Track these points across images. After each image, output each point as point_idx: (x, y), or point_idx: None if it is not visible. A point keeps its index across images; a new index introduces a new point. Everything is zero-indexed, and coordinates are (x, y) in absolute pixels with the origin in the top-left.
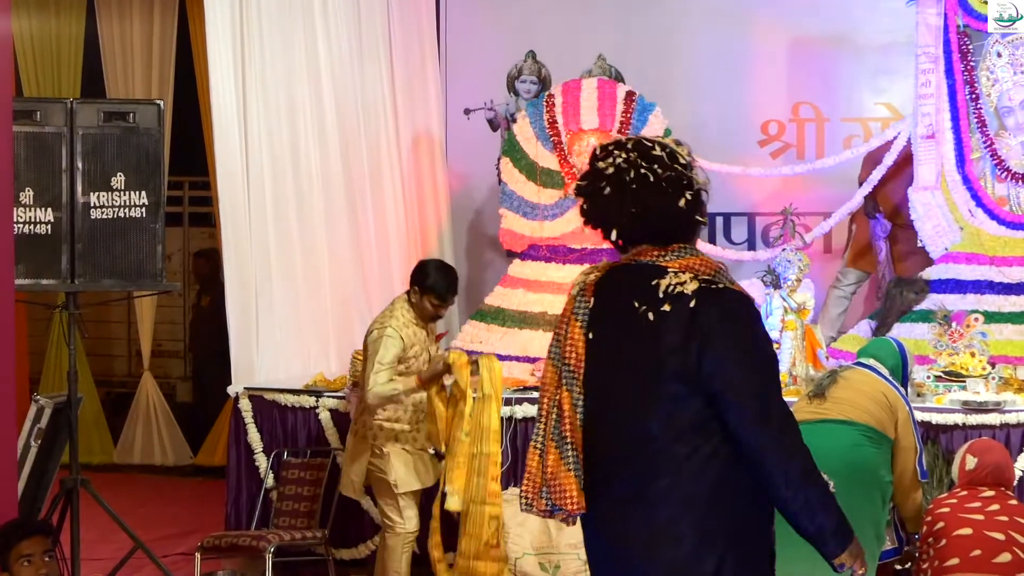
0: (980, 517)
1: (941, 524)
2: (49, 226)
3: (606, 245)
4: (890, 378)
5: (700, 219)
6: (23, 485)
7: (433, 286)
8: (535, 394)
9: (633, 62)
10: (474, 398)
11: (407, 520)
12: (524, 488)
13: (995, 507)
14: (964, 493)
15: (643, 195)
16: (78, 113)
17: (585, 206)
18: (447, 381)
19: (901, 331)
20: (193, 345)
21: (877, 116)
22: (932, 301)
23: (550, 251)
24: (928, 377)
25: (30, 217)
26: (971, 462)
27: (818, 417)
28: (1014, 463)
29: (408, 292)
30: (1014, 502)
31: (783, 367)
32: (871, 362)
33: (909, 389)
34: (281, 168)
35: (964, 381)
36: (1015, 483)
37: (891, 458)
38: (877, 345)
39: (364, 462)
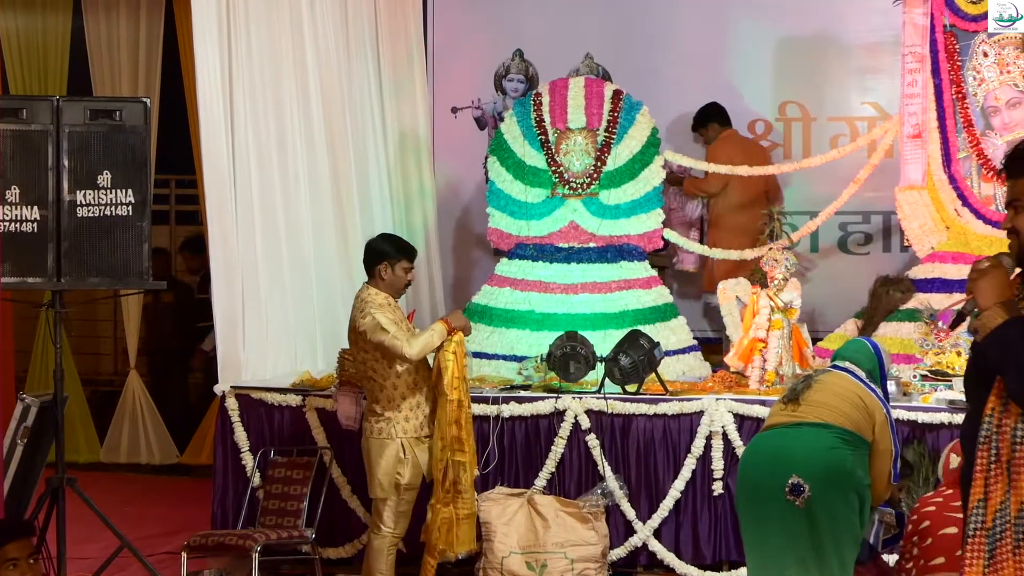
0: None
1: (927, 523)
2: (35, 224)
3: (592, 244)
4: (867, 381)
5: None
6: (9, 484)
7: (399, 251)
8: (522, 393)
9: (620, 61)
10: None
11: (397, 524)
12: None
13: None
14: (949, 492)
15: None
16: (64, 111)
17: None
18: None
19: (887, 330)
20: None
21: (864, 115)
22: (918, 300)
23: (537, 250)
24: (914, 376)
25: (16, 215)
26: (955, 461)
27: (793, 421)
28: None
29: (372, 279)
30: None
31: (770, 366)
32: (847, 365)
33: (893, 388)
34: (268, 166)
35: (950, 380)
36: None
37: (869, 461)
38: (853, 347)
39: (389, 463)
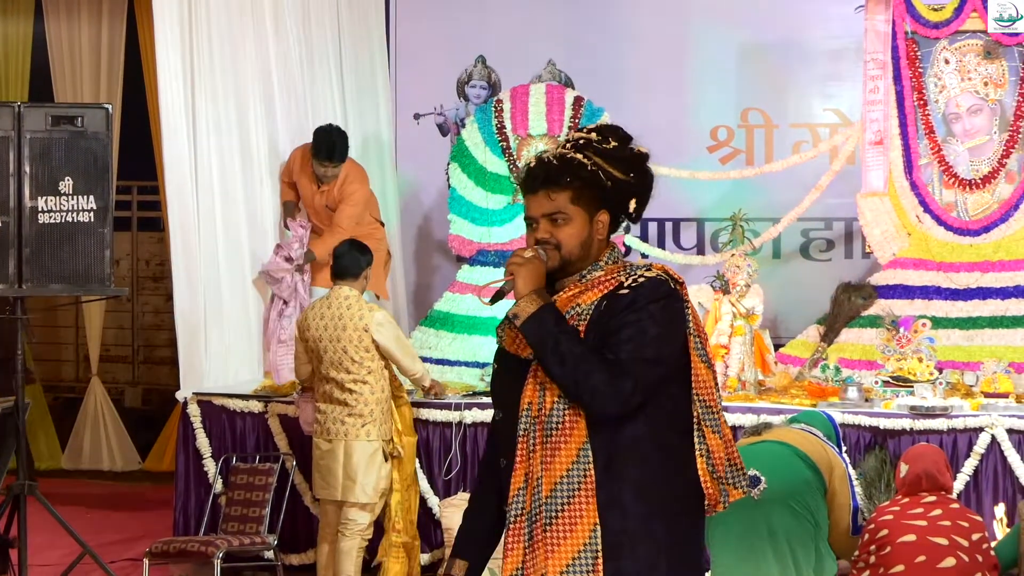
0: (923, 523)
1: (885, 531)
2: None
3: None
4: (826, 439)
5: None
6: None
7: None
8: (485, 399)
9: (582, 67)
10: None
11: (369, 527)
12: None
13: (937, 512)
14: (906, 500)
15: None
16: (26, 117)
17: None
18: None
19: (849, 336)
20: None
21: (826, 122)
22: (880, 306)
23: (499, 256)
24: (876, 382)
25: None
26: (903, 469)
27: (754, 441)
28: (959, 468)
29: (356, 280)
30: (956, 505)
31: (732, 372)
32: (804, 426)
33: (855, 394)
34: (230, 173)
35: (911, 386)
36: (955, 486)
37: (827, 508)
38: (808, 416)
39: (378, 467)
